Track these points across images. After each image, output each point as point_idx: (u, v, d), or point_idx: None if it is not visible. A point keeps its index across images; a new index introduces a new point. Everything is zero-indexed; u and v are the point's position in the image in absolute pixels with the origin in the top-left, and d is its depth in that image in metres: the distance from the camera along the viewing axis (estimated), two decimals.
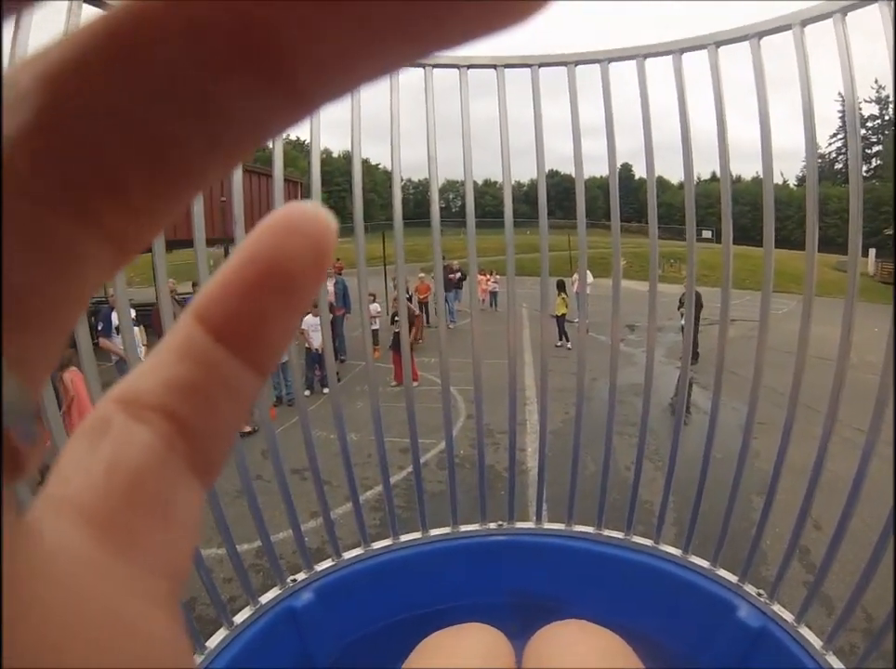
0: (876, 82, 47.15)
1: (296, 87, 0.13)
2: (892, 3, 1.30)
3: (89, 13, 1.32)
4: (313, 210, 0.18)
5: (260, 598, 1.89)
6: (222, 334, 0.18)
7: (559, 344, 12.16)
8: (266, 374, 0.19)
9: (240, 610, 1.85)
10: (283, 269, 0.17)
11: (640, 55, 1.77)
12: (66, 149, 0.13)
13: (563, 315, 12.48)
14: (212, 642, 1.73)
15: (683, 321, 2.01)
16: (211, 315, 0.18)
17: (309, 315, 8.39)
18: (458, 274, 15.78)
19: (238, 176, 1.74)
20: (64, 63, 0.12)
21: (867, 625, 3.12)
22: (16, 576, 0.11)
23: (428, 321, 13.87)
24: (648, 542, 2.08)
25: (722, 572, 1.94)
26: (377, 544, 2.13)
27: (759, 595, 1.84)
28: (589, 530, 2.16)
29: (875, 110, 54.89)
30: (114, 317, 5.96)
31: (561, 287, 12.76)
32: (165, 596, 0.15)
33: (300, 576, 1.99)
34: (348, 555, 2.10)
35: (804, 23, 1.49)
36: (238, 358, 0.18)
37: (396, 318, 8.24)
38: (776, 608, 1.80)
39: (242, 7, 0.12)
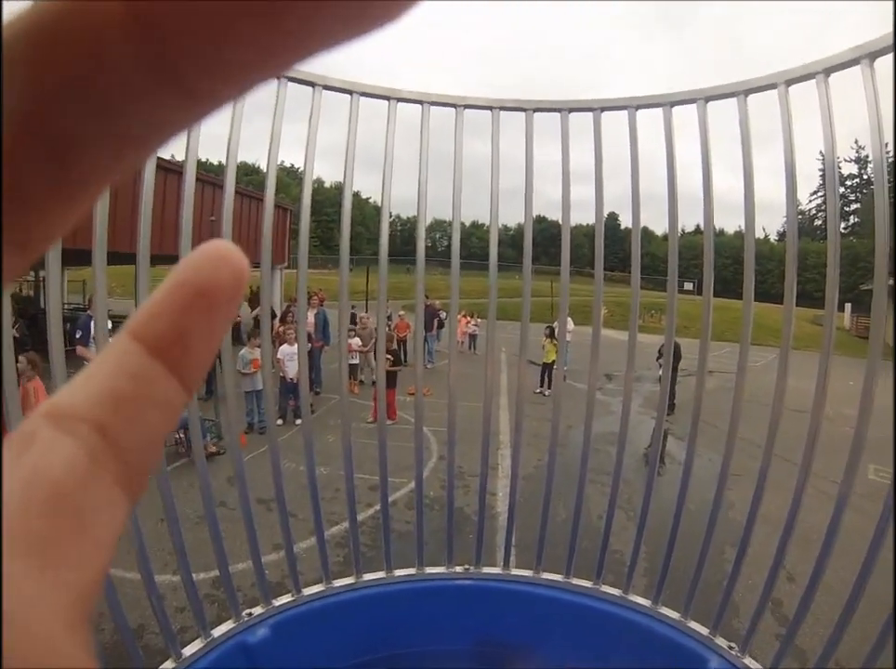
0: (857, 142, 49.13)
1: (188, 86, 0.14)
2: (873, 64, 1.35)
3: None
4: (234, 248, 0.20)
5: (213, 631, 1.81)
6: (156, 351, 0.18)
7: (537, 390, 12.12)
8: (191, 391, 0.20)
9: (190, 642, 1.78)
10: (211, 292, 0.19)
11: (632, 106, 1.82)
12: None
13: (553, 362, 12.42)
14: None
15: (661, 372, 2.02)
16: (146, 333, 0.19)
17: (286, 344, 8.33)
18: (441, 313, 15.78)
19: (229, 198, 1.74)
20: None
21: None
22: None
23: (405, 360, 13.83)
24: (617, 591, 2.05)
25: (693, 624, 1.91)
26: (339, 582, 2.07)
27: (731, 648, 1.81)
28: (558, 577, 2.12)
29: (854, 169, 57.12)
30: (93, 325, 5.95)
31: (552, 334, 12.72)
32: (73, 610, 0.15)
33: (257, 610, 1.92)
34: (308, 591, 2.03)
35: (788, 83, 1.54)
36: (168, 372, 0.19)
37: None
38: (748, 661, 1.77)
39: (132, 11, 0.12)
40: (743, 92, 1.61)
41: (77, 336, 6.39)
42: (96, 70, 0.13)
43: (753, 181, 1.65)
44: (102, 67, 0.13)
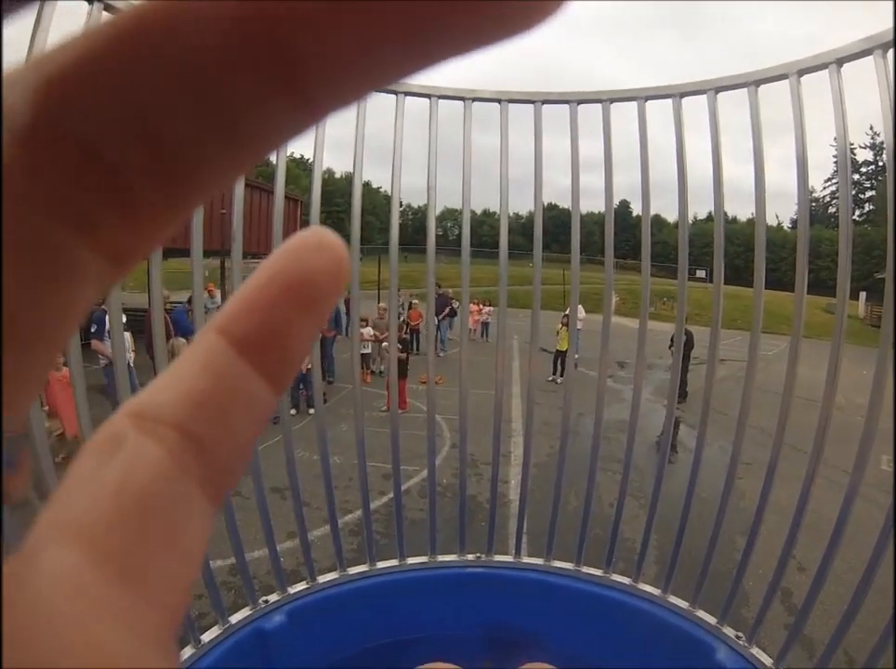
0: (871, 128, 48.33)
1: (307, 93, 0.13)
2: (887, 54, 1.33)
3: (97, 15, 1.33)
4: (331, 234, 0.19)
5: (230, 617, 1.85)
6: (245, 349, 0.17)
7: (550, 378, 12.09)
8: (281, 392, 0.19)
9: (208, 629, 1.81)
10: (308, 283, 0.18)
11: (641, 97, 1.81)
12: (68, 154, 0.12)
13: (566, 350, 12.38)
14: None
15: (673, 360, 2.02)
16: (235, 329, 0.18)
17: None
18: (454, 302, 15.75)
19: (240, 189, 1.75)
20: (73, 64, 0.12)
21: (849, 668, 3.07)
22: (7, 606, 0.11)
23: (417, 349, 13.82)
24: (627, 580, 2.06)
25: (701, 613, 1.92)
26: (353, 570, 2.10)
27: (738, 637, 1.82)
28: (568, 566, 2.13)
29: (869, 155, 56.22)
30: (108, 320, 5.94)
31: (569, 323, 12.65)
32: (162, 629, 0.14)
33: (273, 597, 1.95)
34: (322, 578, 2.06)
35: (801, 73, 1.52)
36: (258, 373, 0.18)
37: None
38: (755, 651, 1.78)
39: (254, 12, 0.12)
40: (753, 83, 1.60)
41: (92, 331, 6.40)
42: (206, 76, 0.12)
43: (763, 173, 1.64)
44: (214, 73, 0.12)
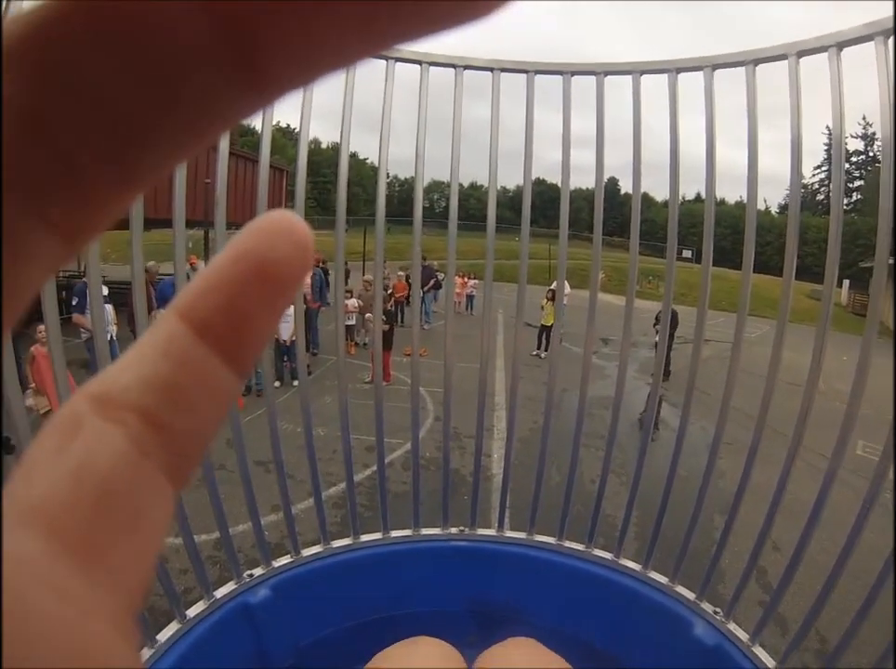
0: (864, 118, 48.47)
1: (259, 75, 0.13)
2: (887, 41, 1.32)
3: None
4: (297, 218, 0.18)
5: (215, 592, 1.85)
6: (206, 332, 0.17)
7: (534, 352, 12.15)
8: (245, 375, 0.19)
9: (194, 604, 1.82)
10: (273, 268, 0.17)
11: (637, 71, 1.78)
12: (22, 128, 0.12)
13: (551, 325, 12.42)
14: (163, 636, 1.69)
15: (658, 338, 2.03)
16: (196, 312, 0.17)
17: None
18: (439, 274, 15.72)
19: (223, 159, 1.71)
20: (23, 34, 0.12)
21: (820, 646, 3.17)
22: None
23: (402, 321, 13.82)
24: (608, 555, 2.09)
25: (680, 589, 1.96)
26: (337, 543, 2.11)
27: (716, 613, 1.86)
28: (550, 540, 2.16)
29: (860, 145, 56.43)
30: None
31: (554, 298, 12.66)
32: (121, 611, 0.14)
33: (257, 571, 1.96)
34: (307, 552, 2.07)
35: (800, 54, 1.50)
36: (220, 356, 0.17)
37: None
38: (731, 626, 1.82)
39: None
40: (752, 61, 1.57)
41: (73, 304, 6.32)
42: (162, 54, 0.12)
43: (756, 153, 1.62)
44: (170, 51, 0.12)
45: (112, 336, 6.22)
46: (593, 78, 1.83)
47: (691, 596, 1.92)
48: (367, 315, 10.69)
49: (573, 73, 1.84)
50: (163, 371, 0.17)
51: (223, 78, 0.13)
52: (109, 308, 5.33)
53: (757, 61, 1.58)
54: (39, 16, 0.12)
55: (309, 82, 0.14)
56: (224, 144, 1.69)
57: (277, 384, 7.52)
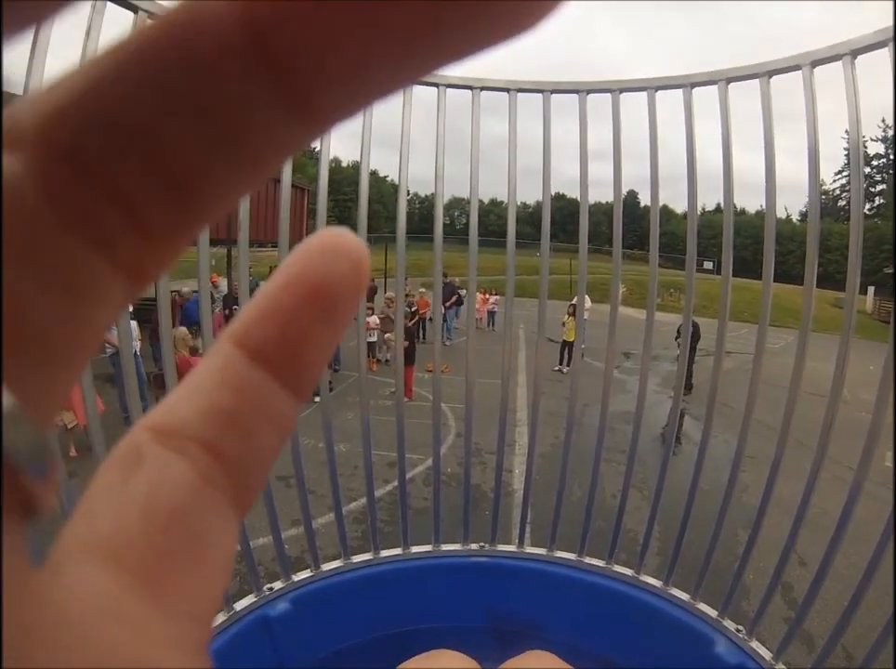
0: (883, 121, 47.85)
1: (311, 109, 0.13)
2: None
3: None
4: (351, 235, 0.18)
5: (235, 605, 1.87)
6: (262, 358, 0.17)
7: (556, 368, 12.06)
8: (303, 400, 0.18)
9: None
10: (328, 290, 0.17)
11: (652, 87, 1.79)
12: (86, 173, 0.13)
13: (573, 341, 12.24)
14: None
15: (679, 351, 2.01)
16: (251, 338, 0.17)
17: None
18: (461, 291, 15.71)
19: None
20: (92, 82, 0.12)
21: (847, 664, 3.08)
22: (29, 623, 0.11)
23: (424, 337, 13.83)
24: (629, 571, 2.06)
25: (702, 606, 1.92)
26: (357, 558, 2.11)
27: (738, 630, 1.83)
28: (571, 556, 2.14)
29: (880, 148, 55.67)
30: None
31: (575, 313, 12.51)
32: (193, 641, 0.14)
33: (277, 585, 1.97)
34: (327, 566, 2.07)
35: (814, 64, 1.50)
36: (277, 381, 0.17)
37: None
38: (754, 644, 1.79)
39: (259, 32, 0.12)
40: (766, 73, 1.58)
41: None
42: (215, 96, 0.12)
43: (774, 164, 1.62)
44: (222, 92, 0.12)
45: (136, 351, 6.32)
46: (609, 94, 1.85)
47: (713, 613, 1.89)
48: (387, 335, 10.71)
49: (589, 92, 1.85)
50: (220, 399, 0.16)
51: (276, 117, 0.13)
52: (133, 324, 5.42)
53: (770, 73, 1.58)
54: (99, 68, 0.12)
55: (358, 111, 0.14)
56: None
57: None
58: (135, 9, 1.38)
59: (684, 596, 1.95)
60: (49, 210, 0.12)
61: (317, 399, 7.11)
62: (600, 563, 2.10)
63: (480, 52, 0.13)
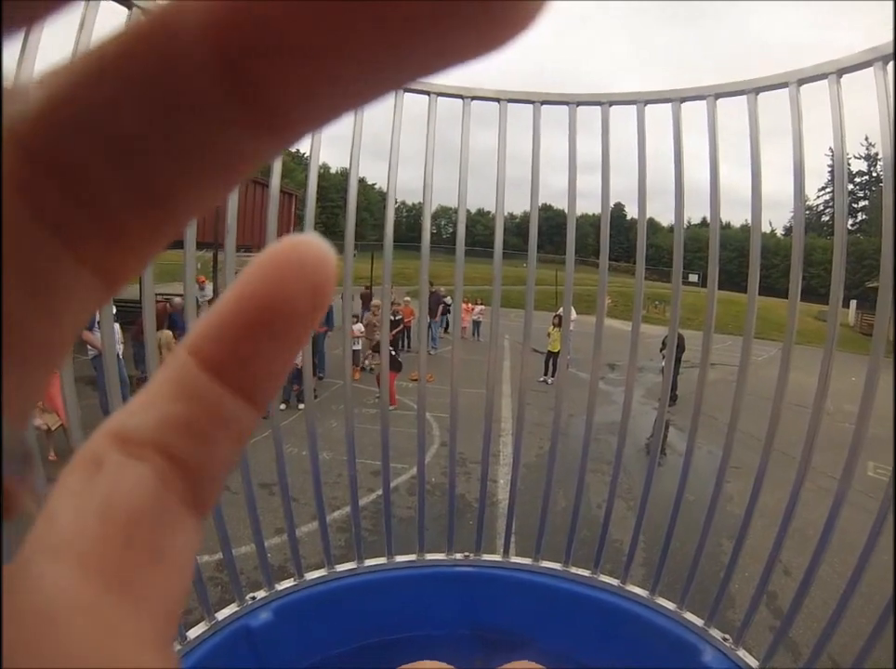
0: (867, 139, 48.82)
1: (280, 120, 0.13)
2: (886, 66, 1.34)
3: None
4: (314, 245, 0.17)
5: (217, 614, 1.84)
6: (217, 370, 0.17)
7: (541, 379, 12.08)
8: (262, 409, 0.18)
9: (195, 625, 1.80)
10: (281, 310, 0.16)
11: (641, 101, 1.81)
12: (62, 175, 0.13)
13: (558, 352, 12.31)
14: None
15: (664, 363, 2.03)
16: (206, 350, 0.17)
17: None
18: (447, 299, 15.73)
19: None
20: (71, 85, 0.13)
21: None
22: (14, 615, 0.12)
23: (408, 346, 13.82)
24: (615, 581, 2.06)
25: (688, 615, 1.93)
26: (341, 567, 2.10)
27: (725, 639, 1.83)
28: (556, 566, 2.14)
29: (863, 166, 56.76)
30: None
31: (561, 323, 12.48)
32: (158, 638, 0.15)
33: (260, 594, 1.95)
34: (310, 575, 2.05)
35: (801, 82, 1.53)
36: (233, 393, 0.17)
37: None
38: (741, 653, 1.79)
39: (227, 46, 0.12)
40: (753, 90, 1.60)
41: None
42: (184, 105, 0.13)
43: (760, 180, 1.64)
44: (191, 102, 0.13)
45: (119, 354, 6.26)
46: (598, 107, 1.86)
47: (699, 622, 1.89)
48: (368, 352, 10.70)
49: (579, 104, 1.87)
50: (177, 408, 0.17)
51: (238, 124, 0.13)
52: (115, 326, 5.36)
53: (758, 90, 1.61)
54: (79, 71, 0.13)
55: (326, 122, 0.14)
56: None
57: (282, 406, 7.52)
58: (129, 5, 1.38)
59: (670, 605, 1.96)
60: (24, 210, 0.13)
61: (300, 406, 7.06)
62: (586, 573, 2.10)
63: (448, 69, 0.13)
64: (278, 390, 0.19)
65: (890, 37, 1.33)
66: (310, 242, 0.17)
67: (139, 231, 0.14)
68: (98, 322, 1.62)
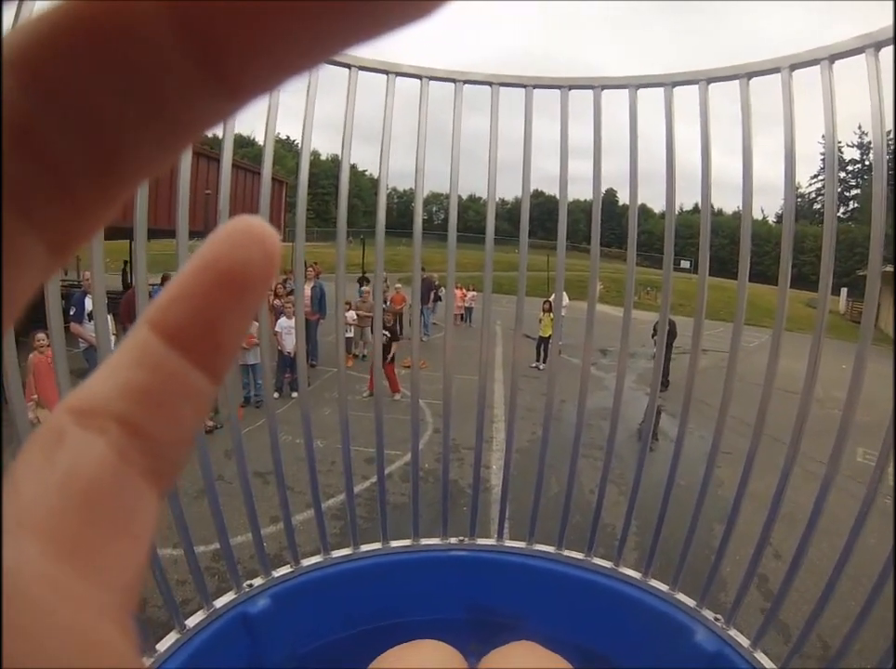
0: (860, 127, 48.90)
1: (229, 80, 0.14)
2: (878, 53, 1.34)
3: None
4: (263, 224, 0.19)
5: (215, 602, 1.85)
6: (176, 340, 0.18)
7: (533, 364, 12.10)
8: (220, 379, 0.19)
9: (193, 613, 1.81)
10: (239, 275, 0.18)
11: (633, 85, 1.81)
12: (11, 138, 0.13)
13: (549, 337, 12.33)
14: (162, 645, 1.68)
15: (656, 349, 2.04)
16: (165, 321, 0.18)
17: (283, 317, 8.33)
18: (439, 287, 15.67)
19: (227, 171, 1.73)
20: (28, 47, 0.13)
21: (822, 653, 3.16)
22: None
23: (401, 333, 13.80)
24: (608, 564, 2.09)
25: (681, 596, 1.96)
26: (337, 553, 2.11)
27: (717, 620, 1.86)
28: (550, 549, 2.16)
29: (856, 154, 56.93)
30: (87, 302, 5.85)
31: (552, 309, 12.55)
32: (117, 608, 0.15)
33: (257, 581, 1.96)
34: (306, 562, 2.07)
35: (793, 67, 1.53)
36: (192, 363, 0.18)
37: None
38: (733, 633, 1.82)
39: (185, 6, 0.12)
40: (745, 75, 1.60)
41: (71, 313, 6.28)
42: (140, 66, 0.13)
43: (752, 165, 1.65)
44: (147, 63, 0.13)
45: (112, 346, 6.21)
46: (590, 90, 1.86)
47: (691, 603, 1.92)
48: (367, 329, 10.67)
49: (571, 87, 1.86)
50: (137, 379, 0.17)
51: (193, 84, 0.13)
52: (108, 317, 5.30)
53: (750, 75, 1.61)
54: (31, 32, 0.13)
55: (276, 84, 0.14)
56: (227, 155, 1.71)
57: (276, 395, 7.51)
58: None
59: (663, 587, 1.99)
60: None
61: (294, 394, 7.04)
62: (580, 556, 2.12)
63: (387, 32, 0.14)
64: (232, 361, 0.19)
65: (884, 24, 1.33)
66: (257, 220, 0.19)
67: (92, 196, 0.14)
68: (90, 314, 1.61)
